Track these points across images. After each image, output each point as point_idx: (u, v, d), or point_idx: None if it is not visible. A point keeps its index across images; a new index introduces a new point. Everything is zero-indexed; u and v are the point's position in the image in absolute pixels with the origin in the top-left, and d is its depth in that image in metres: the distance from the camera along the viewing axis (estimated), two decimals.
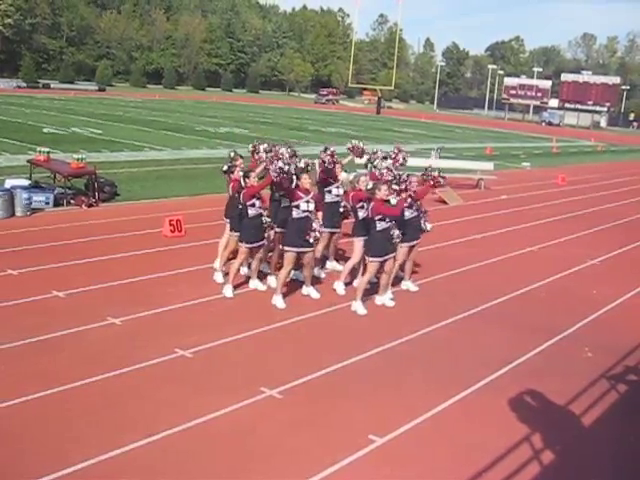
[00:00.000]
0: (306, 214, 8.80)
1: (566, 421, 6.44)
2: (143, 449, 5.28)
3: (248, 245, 9.06)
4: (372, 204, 8.71)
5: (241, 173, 9.22)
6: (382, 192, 8.71)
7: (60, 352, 6.94)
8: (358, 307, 8.84)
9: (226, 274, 9.52)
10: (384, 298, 9.25)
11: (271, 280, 9.55)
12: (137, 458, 5.18)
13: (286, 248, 8.91)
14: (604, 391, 7.05)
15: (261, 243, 9.18)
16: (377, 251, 8.77)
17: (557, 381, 7.14)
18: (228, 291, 9.05)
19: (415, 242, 9.69)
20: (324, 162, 10.08)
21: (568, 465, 5.67)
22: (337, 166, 10.10)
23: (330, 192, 10.06)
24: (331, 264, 10.64)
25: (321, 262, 10.42)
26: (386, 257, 8.85)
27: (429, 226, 9.88)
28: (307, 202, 8.80)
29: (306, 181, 8.89)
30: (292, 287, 9.44)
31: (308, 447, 5.54)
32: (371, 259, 8.82)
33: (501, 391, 6.77)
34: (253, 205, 8.92)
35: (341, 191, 10.04)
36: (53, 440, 5.34)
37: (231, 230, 9.55)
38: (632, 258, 13.47)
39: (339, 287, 9.55)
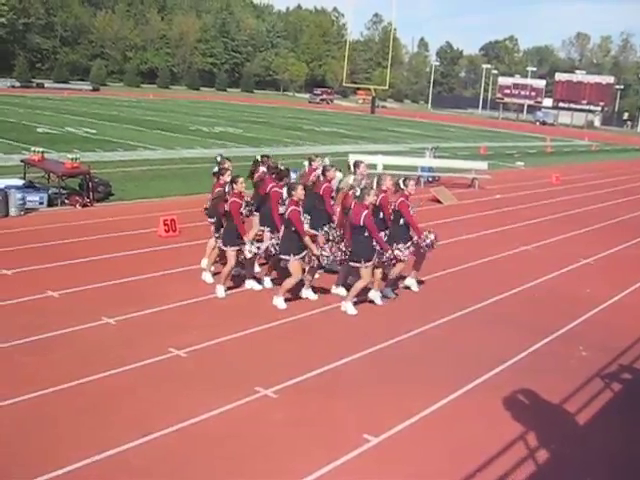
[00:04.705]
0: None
1: (561, 420, 6.45)
2: (137, 449, 5.27)
3: (234, 248, 8.87)
4: (365, 212, 8.63)
5: (229, 178, 9.14)
6: (371, 197, 8.71)
7: (54, 352, 6.92)
8: (348, 307, 8.81)
9: (215, 274, 9.50)
10: (376, 294, 9.21)
11: (266, 280, 9.53)
12: (131, 458, 5.16)
13: (287, 257, 8.67)
14: (598, 390, 7.07)
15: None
16: (369, 255, 8.73)
17: (552, 380, 7.15)
18: (220, 292, 9.01)
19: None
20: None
21: (563, 464, 5.69)
22: (331, 172, 10.07)
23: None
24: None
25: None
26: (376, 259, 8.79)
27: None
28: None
29: (300, 192, 8.72)
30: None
31: (303, 446, 5.54)
32: (366, 264, 8.73)
33: (496, 390, 6.78)
34: (241, 213, 8.86)
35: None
36: (47, 440, 5.32)
37: (217, 231, 9.41)
38: (625, 257, 13.51)
39: (340, 291, 9.37)
